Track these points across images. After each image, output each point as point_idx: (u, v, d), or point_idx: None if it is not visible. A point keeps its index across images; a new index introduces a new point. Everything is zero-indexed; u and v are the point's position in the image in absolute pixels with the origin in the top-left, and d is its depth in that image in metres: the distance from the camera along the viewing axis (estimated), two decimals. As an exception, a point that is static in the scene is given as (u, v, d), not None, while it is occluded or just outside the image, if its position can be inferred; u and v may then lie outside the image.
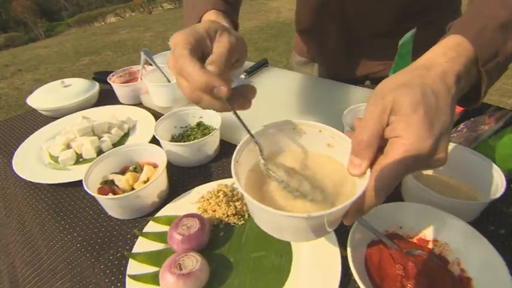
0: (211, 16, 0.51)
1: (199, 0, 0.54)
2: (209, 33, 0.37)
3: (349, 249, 0.44)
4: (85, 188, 0.56)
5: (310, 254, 0.49)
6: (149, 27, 8.14)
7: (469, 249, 0.44)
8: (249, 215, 0.56)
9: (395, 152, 0.31)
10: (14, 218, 0.76)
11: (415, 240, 0.49)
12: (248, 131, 0.39)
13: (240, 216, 0.56)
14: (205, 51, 0.36)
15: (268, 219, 0.35)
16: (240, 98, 0.38)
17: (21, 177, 0.68)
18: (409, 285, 0.42)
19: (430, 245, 0.48)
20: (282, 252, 0.50)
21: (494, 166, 0.53)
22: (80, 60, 5.84)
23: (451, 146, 0.58)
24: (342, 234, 0.51)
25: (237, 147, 0.38)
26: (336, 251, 0.48)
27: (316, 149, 0.42)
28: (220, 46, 0.36)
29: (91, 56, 6.00)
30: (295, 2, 0.95)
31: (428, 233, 0.49)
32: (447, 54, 0.34)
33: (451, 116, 0.32)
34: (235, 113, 0.38)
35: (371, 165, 0.33)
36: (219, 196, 0.57)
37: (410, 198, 0.55)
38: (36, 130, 0.85)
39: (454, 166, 0.58)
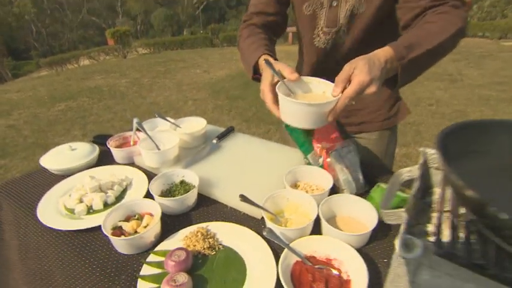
0: (266, 56, 0.91)
1: (253, 50, 0.97)
2: (273, 78, 0.82)
3: (280, 266, 0.72)
4: (104, 232, 0.80)
5: (256, 271, 0.76)
6: (124, 73, 8.39)
7: (353, 263, 0.74)
8: (219, 248, 0.83)
9: (353, 81, 0.71)
10: (31, 260, 0.96)
11: (324, 259, 0.78)
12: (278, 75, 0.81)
13: (212, 249, 0.82)
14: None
15: (290, 110, 0.76)
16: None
17: (46, 226, 0.91)
18: (314, 286, 0.70)
19: (333, 262, 0.77)
20: (239, 271, 0.76)
21: (374, 209, 0.84)
22: (55, 106, 5.88)
23: (356, 199, 0.89)
24: (278, 257, 0.79)
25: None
26: (273, 266, 0.75)
27: (315, 91, 0.84)
28: (283, 71, 0.81)
29: (67, 102, 6.07)
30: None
31: (331, 255, 0.78)
32: (382, 51, 0.77)
33: (380, 75, 0.72)
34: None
35: (342, 91, 0.72)
36: (197, 235, 0.84)
37: (325, 234, 0.85)
38: (49, 186, 1.09)
39: (353, 210, 0.89)
